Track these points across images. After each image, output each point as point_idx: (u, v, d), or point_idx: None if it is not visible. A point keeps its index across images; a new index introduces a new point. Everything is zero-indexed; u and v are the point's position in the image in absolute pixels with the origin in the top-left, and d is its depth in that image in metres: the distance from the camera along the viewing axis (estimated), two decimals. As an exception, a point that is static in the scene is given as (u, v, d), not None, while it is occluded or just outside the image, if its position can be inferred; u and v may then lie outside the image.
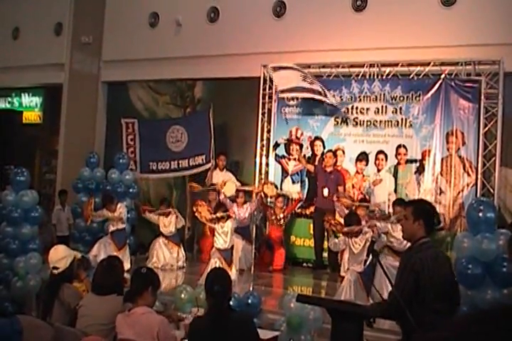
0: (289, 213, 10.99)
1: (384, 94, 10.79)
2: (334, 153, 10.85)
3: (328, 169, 10.71)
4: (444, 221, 9.94)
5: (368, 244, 8.15)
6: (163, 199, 11.54)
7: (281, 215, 10.80)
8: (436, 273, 4.40)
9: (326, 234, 10.56)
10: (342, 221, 9.26)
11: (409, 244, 8.28)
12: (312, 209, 11.08)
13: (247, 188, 11.56)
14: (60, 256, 5.85)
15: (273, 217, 10.83)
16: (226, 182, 10.99)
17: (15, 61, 14.99)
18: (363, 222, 8.66)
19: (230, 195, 10.79)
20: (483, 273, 6.20)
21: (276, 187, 11.10)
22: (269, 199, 11.20)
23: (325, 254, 10.73)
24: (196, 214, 10.22)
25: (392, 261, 8.62)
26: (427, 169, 10.33)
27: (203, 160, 12.01)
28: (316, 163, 11.18)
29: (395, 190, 10.49)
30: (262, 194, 10.93)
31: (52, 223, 12.48)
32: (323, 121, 11.31)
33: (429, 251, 4.53)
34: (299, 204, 11.16)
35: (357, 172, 10.75)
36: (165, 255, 10.68)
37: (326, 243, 10.59)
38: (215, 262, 9.15)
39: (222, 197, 10.68)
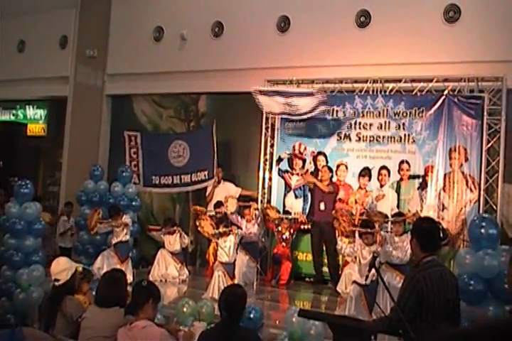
0: (295, 232, 10.97)
1: (387, 110, 10.81)
2: (330, 168, 10.85)
3: (325, 183, 10.70)
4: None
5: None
6: (168, 219, 11.29)
7: (287, 233, 10.78)
8: (441, 291, 4.41)
9: (324, 248, 10.54)
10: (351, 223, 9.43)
11: (406, 258, 8.43)
12: (313, 223, 11.06)
13: (248, 193, 11.72)
14: (61, 268, 5.86)
15: (279, 236, 10.80)
16: (228, 198, 11.00)
17: (20, 74, 15.08)
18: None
19: (233, 210, 10.82)
20: (485, 289, 6.20)
21: (278, 211, 11.09)
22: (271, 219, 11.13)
23: (325, 269, 10.70)
24: (199, 228, 10.22)
25: (391, 277, 8.61)
26: (430, 185, 10.33)
27: (205, 175, 11.95)
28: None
29: (398, 206, 10.47)
30: (265, 215, 10.92)
31: (59, 232, 12.53)
32: (326, 136, 11.35)
33: (434, 269, 4.53)
34: (302, 226, 11.11)
35: (360, 187, 10.68)
36: (167, 265, 10.61)
37: (325, 257, 10.61)
38: (219, 276, 9.15)
39: (228, 213, 10.70)
